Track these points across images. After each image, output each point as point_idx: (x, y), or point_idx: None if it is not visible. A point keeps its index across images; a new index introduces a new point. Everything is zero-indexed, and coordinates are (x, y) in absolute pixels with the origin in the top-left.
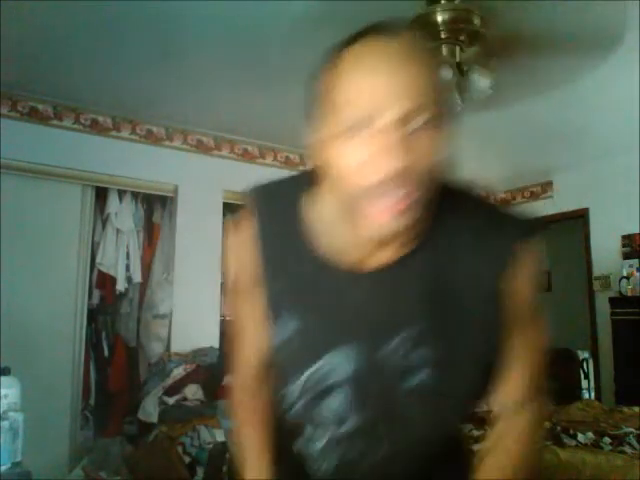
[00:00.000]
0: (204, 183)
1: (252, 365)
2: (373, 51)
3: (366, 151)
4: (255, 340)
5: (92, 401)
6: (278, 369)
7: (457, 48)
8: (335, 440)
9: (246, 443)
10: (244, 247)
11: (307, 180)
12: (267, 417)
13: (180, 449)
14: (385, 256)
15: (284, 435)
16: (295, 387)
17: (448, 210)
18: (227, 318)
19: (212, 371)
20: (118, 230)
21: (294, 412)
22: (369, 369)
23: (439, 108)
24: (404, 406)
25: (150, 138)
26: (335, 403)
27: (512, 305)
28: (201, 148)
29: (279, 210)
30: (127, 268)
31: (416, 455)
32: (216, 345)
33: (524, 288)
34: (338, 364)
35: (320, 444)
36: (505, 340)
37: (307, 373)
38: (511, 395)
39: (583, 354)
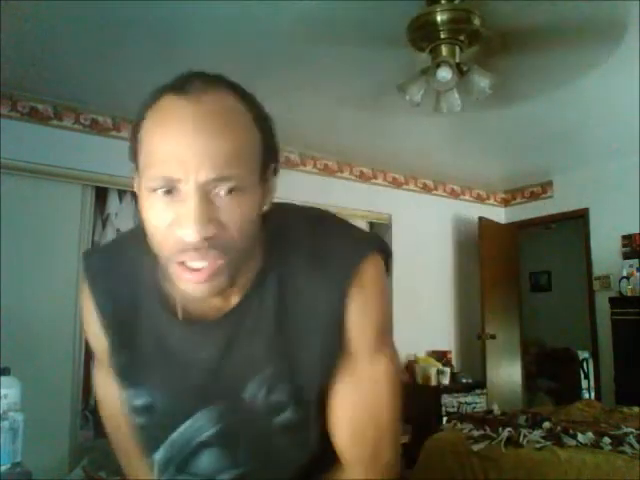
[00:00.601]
0: None
1: (120, 429)
2: (184, 107)
3: (171, 214)
4: (116, 406)
5: (92, 401)
6: (141, 436)
7: (457, 48)
8: None
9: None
10: (87, 316)
11: (143, 235)
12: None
13: None
14: (223, 305)
15: None
16: (161, 455)
17: (279, 242)
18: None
19: None
20: (118, 230)
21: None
22: (234, 423)
23: (247, 172)
24: (276, 444)
25: None
26: (206, 461)
27: (353, 331)
28: None
29: (115, 272)
30: None
31: None
32: None
33: (364, 311)
34: (200, 427)
35: None
36: (342, 371)
37: (169, 441)
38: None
39: (583, 354)
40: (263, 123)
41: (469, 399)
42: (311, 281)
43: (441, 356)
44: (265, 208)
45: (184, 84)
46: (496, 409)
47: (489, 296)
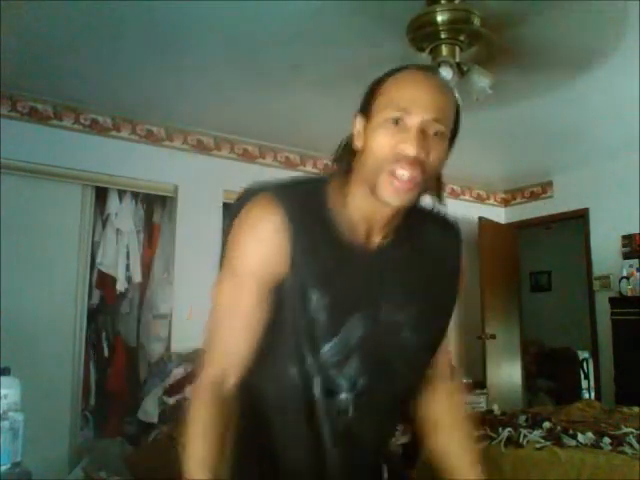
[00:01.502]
0: (204, 183)
1: (240, 351)
2: (422, 75)
3: (397, 137)
4: (253, 324)
5: (92, 401)
6: (284, 348)
7: (457, 48)
8: (347, 401)
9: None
10: (271, 236)
11: (323, 179)
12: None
13: (180, 449)
14: (381, 241)
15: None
16: (314, 361)
17: (411, 212)
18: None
19: None
20: (118, 230)
21: (312, 385)
22: (372, 333)
23: (449, 132)
24: (392, 357)
25: (150, 138)
26: (351, 370)
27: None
28: (201, 148)
29: (305, 203)
30: (127, 268)
31: (396, 401)
32: None
33: (463, 278)
34: (351, 333)
35: (336, 407)
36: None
37: (328, 346)
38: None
39: (583, 354)
40: (457, 108)
41: (469, 399)
42: (440, 241)
43: None
44: (442, 167)
45: (421, 65)
46: (496, 409)
47: (489, 296)
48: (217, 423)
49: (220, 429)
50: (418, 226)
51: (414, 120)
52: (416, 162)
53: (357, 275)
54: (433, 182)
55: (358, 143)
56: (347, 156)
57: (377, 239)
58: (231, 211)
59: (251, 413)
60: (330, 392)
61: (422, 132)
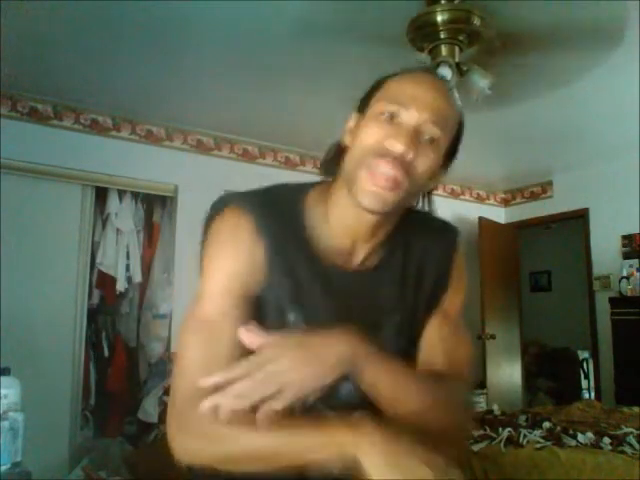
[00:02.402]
0: (204, 183)
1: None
2: (424, 77)
3: (387, 132)
4: (232, 341)
5: (92, 401)
6: None
7: (457, 48)
8: None
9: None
10: (245, 247)
11: (301, 188)
12: None
13: None
14: (364, 257)
15: None
16: None
17: (405, 217)
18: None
19: None
20: (118, 230)
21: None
22: None
23: (446, 142)
24: None
25: (150, 138)
26: (344, 394)
27: (450, 291)
28: (201, 148)
29: (281, 214)
30: (127, 268)
31: None
32: None
33: (458, 286)
34: None
35: None
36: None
37: None
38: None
39: (583, 354)
40: (460, 126)
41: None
42: (428, 247)
43: None
44: (433, 185)
45: (427, 68)
46: (496, 409)
47: (489, 296)
48: None
49: None
50: (409, 238)
51: (411, 117)
52: (402, 161)
53: (338, 296)
54: (421, 195)
55: (347, 140)
56: (334, 159)
57: (362, 253)
58: (203, 224)
59: None
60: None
61: (416, 132)
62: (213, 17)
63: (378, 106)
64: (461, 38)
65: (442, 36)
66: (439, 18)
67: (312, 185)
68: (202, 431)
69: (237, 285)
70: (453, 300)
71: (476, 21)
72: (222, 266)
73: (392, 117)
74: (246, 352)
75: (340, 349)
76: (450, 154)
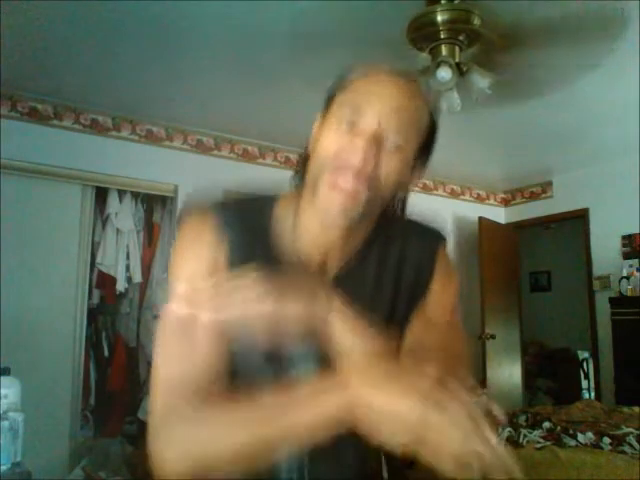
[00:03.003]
0: (204, 183)
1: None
2: (387, 78)
3: (352, 140)
4: (210, 349)
5: (92, 401)
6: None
7: (457, 48)
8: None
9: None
10: (209, 256)
11: (271, 198)
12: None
13: None
14: (336, 267)
15: None
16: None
17: (381, 223)
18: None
19: None
20: (118, 230)
21: None
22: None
23: (415, 146)
24: None
25: (150, 138)
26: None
27: (435, 294)
28: (201, 148)
29: (247, 222)
30: (127, 268)
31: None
32: None
33: (444, 286)
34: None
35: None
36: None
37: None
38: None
39: (583, 354)
40: (433, 126)
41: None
42: (408, 248)
43: None
44: (406, 188)
45: (389, 70)
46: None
47: (489, 296)
48: None
49: None
50: (387, 245)
51: (368, 125)
52: (361, 175)
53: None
54: (393, 202)
55: (310, 148)
56: (303, 167)
57: (333, 263)
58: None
59: None
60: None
61: (377, 140)
62: (213, 17)
63: (337, 112)
64: (461, 38)
65: (442, 36)
66: (439, 18)
67: (282, 195)
68: (193, 417)
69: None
70: (439, 305)
71: (476, 21)
72: (187, 273)
73: (352, 125)
74: (222, 355)
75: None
76: (423, 156)
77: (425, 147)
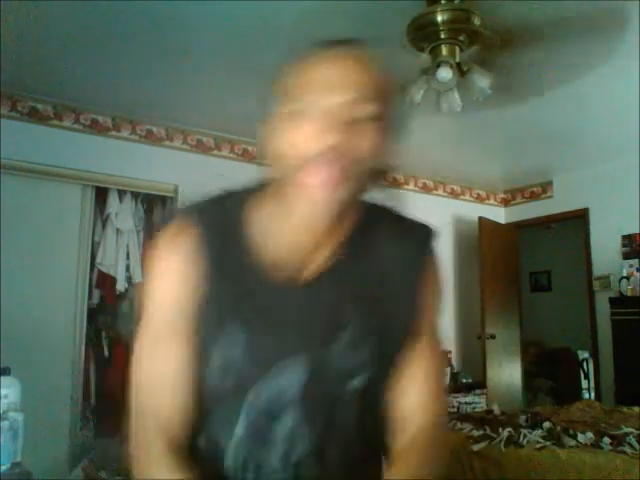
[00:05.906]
0: (204, 183)
1: (175, 407)
2: (332, 53)
3: (310, 128)
4: (183, 373)
5: (92, 401)
6: (213, 393)
7: (457, 48)
8: (286, 459)
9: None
10: (185, 261)
11: (244, 196)
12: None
13: None
14: (317, 266)
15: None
16: (238, 407)
17: (365, 220)
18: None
19: None
20: (118, 230)
21: (238, 432)
22: (316, 381)
23: (384, 110)
24: (345, 408)
25: (150, 138)
26: (287, 424)
27: (422, 304)
28: (201, 148)
29: (220, 226)
30: (127, 268)
31: (351, 454)
32: None
33: (432, 287)
34: (287, 380)
35: (270, 463)
36: (413, 340)
37: (255, 390)
38: (414, 400)
39: (583, 354)
40: (389, 91)
41: (469, 399)
42: (395, 258)
43: None
44: (386, 162)
45: (338, 40)
46: (496, 409)
47: (489, 296)
48: None
49: None
50: (371, 242)
51: (329, 103)
52: (333, 160)
53: (281, 309)
54: (373, 175)
55: (269, 149)
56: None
57: (312, 261)
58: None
59: None
60: (254, 468)
61: (340, 117)
62: (213, 17)
63: (289, 103)
64: (461, 38)
65: (442, 36)
66: (439, 18)
67: (258, 188)
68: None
69: (178, 299)
70: (424, 311)
71: (476, 21)
72: (163, 281)
73: (305, 112)
74: (195, 365)
75: None
76: (390, 121)
77: (388, 111)
